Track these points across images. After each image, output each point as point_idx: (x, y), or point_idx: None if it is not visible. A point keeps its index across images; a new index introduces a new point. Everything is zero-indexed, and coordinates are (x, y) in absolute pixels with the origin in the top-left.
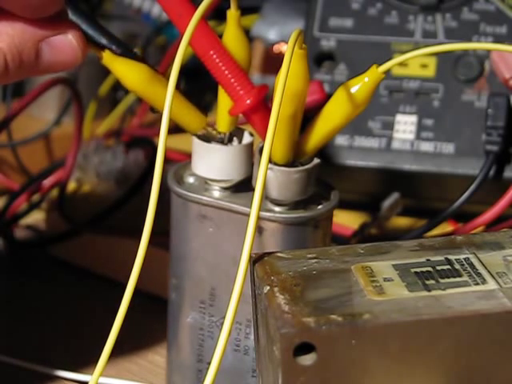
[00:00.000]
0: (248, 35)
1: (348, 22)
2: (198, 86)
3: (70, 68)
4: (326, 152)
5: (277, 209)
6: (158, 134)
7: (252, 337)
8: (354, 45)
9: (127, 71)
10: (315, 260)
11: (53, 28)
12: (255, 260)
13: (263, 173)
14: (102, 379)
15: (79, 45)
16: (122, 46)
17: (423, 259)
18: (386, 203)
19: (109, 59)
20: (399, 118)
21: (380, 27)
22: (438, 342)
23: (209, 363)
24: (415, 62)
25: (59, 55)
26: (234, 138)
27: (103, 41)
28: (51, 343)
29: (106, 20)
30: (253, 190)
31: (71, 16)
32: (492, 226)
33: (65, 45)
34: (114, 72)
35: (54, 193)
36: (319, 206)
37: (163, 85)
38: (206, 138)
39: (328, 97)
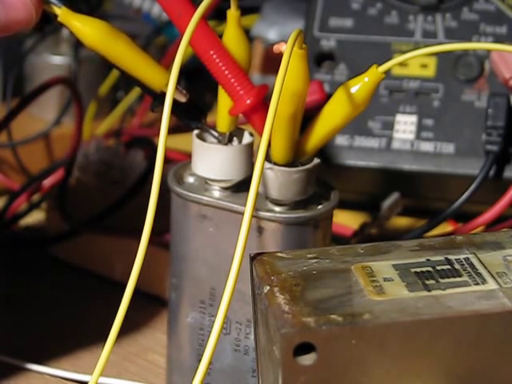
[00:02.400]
0: (248, 35)
1: (348, 22)
2: (198, 86)
3: (25, 26)
4: (326, 152)
5: (277, 209)
6: (158, 134)
7: (252, 337)
8: (354, 45)
9: (85, 27)
10: (315, 260)
11: None
12: (255, 260)
13: (259, 170)
14: (101, 379)
15: (33, 1)
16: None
17: (423, 259)
18: (386, 203)
19: (65, 16)
20: (399, 118)
21: (380, 27)
22: (437, 341)
23: (209, 363)
24: (415, 62)
25: (12, 13)
26: (234, 138)
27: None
28: (51, 343)
29: (106, 20)
30: None
31: None
32: (492, 225)
33: (17, 2)
34: (72, 29)
35: (54, 193)
36: (319, 206)
37: (123, 40)
38: (206, 138)
39: (328, 97)
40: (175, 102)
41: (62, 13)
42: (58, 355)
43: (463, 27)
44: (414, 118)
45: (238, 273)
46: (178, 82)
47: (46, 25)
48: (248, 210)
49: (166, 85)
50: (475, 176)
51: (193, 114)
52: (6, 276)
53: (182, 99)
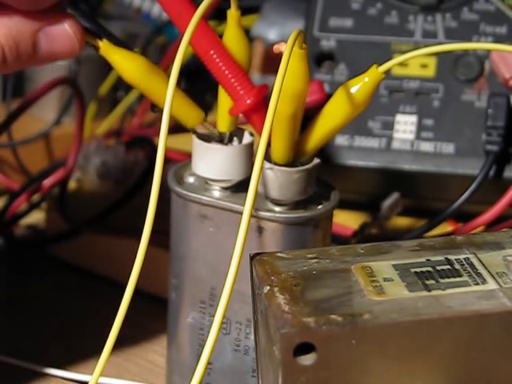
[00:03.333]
0: (248, 35)
1: (348, 22)
2: (198, 86)
3: (67, 58)
4: (326, 152)
5: (277, 209)
6: (158, 134)
7: (252, 337)
8: (354, 45)
9: (125, 62)
10: (315, 260)
11: (49, 18)
12: (255, 260)
13: (258, 170)
14: (101, 379)
15: (76, 34)
16: (119, 40)
17: (423, 259)
18: (386, 203)
19: (107, 50)
20: (399, 118)
21: (380, 27)
22: (437, 341)
23: (209, 363)
24: (415, 62)
25: (56, 45)
26: (234, 138)
27: (101, 33)
28: (51, 343)
29: (106, 20)
30: None
31: (69, 11)
32: (492, 225)
33: (62, 34)
34: (112, 63)
35: (54, 193)
36: (319, 206)
37: (161, 77)
38: (207, 138)
39: (328, 97)
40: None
41: (104, 46)
42: (58, 355)
43: (463, 27)
44: (414, 118)
45: (237, 272)
46: (178, 86)
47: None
48: (247, 209)
49: (200, 123)
50: (475, 176)
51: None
52: (7, 276)
53: (214, 135)
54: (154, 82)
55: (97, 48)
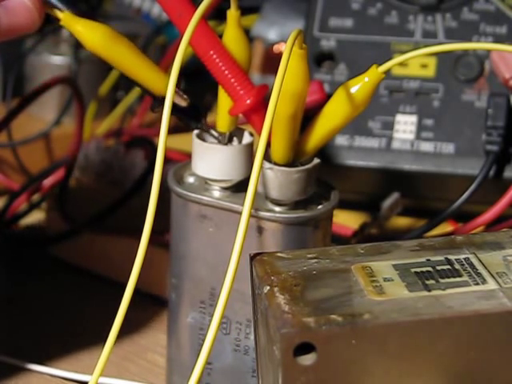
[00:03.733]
0: (248, 35)
1: (348, 22)
2: (198, 86)
3: (28, 31)
4: (326, 152)
5: (277, 209)
6: (158, 134)
7: (252, 337)
8: (354, 45)
9: (88, 31)
10: (315, 260)
11: None
12: (255, 260)
13: (257, 169)
14: (101, 379)
15: (35, 6)
16: (80, 9)
17: (423, 259)
18: (386, 203)
19: (68, 20)
20: (399, 118)
21: (380, 27)
22: (437, 341)
23: (209, 363)
24: (415, 62)
25: (15, 18)
26: (234, 138)
27: (61, 4)
28: (51, 343)
29: (106, 20)
30: None
31: None
32: (492, 225)
33: (20, 7)
34: (74, 33)
35: (54, 193)
36: (319, 206)
37: (125, 44)
38: (206, 138)
39: (328, 97)
40: (175, 103)
41: (65, 17)
42: (58, 355)
43: (463, 27)
44: (414, 118)
45: (236, 271)
46: (179, 86)
47: (46, 25)
48: (246, 208)
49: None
50: (475, 176)
51: (192, 115)
52: (7, 276)
53: (183, 103)
54: (118, 50)
55: (58, 19)
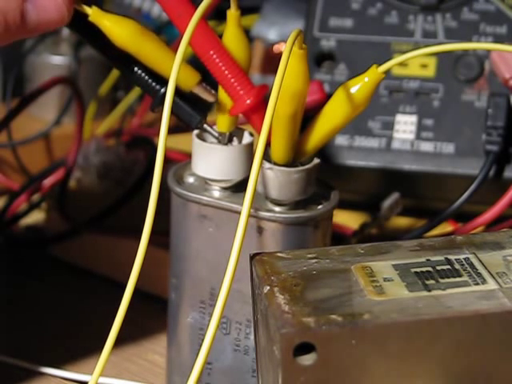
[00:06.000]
0: (248, 35)
1: (348, 22)
2: None
3: (57, 26)
4: (326, 152)
5: (277, 209)
6: (158, 134)
7: (252, 337)
8: (354, 45)
9: (116, 26)
10: (315, 260)
11: None
12: (255, 260)
13: (256, 169)
14: (101, 379)
15: (64, 1)
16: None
17: (423, 259)
18: (386, 203)
19: (96, 15)
20: (399, 118)
21: (380, 27)
22: (437, 341)
23: (209, 363)
24: (415, 62)
25: (44, 13)
26: (234, 138)
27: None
28: (51, 343)
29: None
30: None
31: None
32: (492, 225)
33: (49, 2)
34: (103, 29)
35: (55, 193)
36: (319, 206)
37: (153, 39)
38: (207, 138)
39: (328, 97)
40: (175, 103)
41: (93, 12)
42: (58, 355)
43: (463, 27)
44: (414, 118)
45: (235, 271)
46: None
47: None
48: (245, 208)
49: (196, 84)
50: (475, 176)
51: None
52: (6, 276)
53: (211, 99)
54: (146, 44)
55: (86, 15)
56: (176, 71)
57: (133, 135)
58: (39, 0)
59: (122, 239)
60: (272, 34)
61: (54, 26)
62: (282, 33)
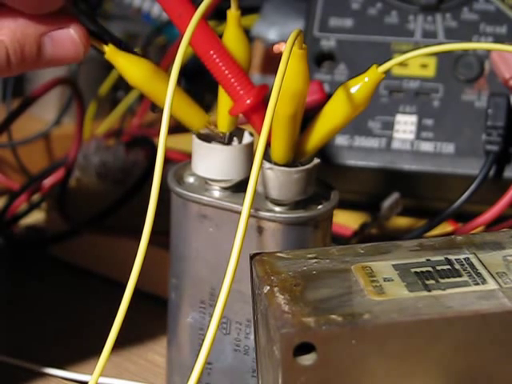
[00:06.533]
0: (248, 35)
1: (348, 22)
2: (198, 86)
3: (72, 62)
4: (326, 152)
5: (277, 209)
6: (158, 134)
7: (252, 337)
8: (354, 45)
9: (130, 66)
10: (315, 260)
11: (55, 22)
12: (255, 260)
13: (256, 169)
14: (101, 379)
15: (81, 39)
16: (123, 43)
17: (423, 259)
18: (386, 203)
19: (112, 54)
20: (399, 118)
21: (380, 27)
22: (438, 341)
23: (209, 363)
24: (415, 62)
25: (61, 49)
26: (234, 138)
27: (106, 37)
28: (51, 343)
29: (106, 20)
30: None
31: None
32: (492, 225)
33: (67, 39)
34: (117, 66)
35: (55, 193)
36: (319, 206)
37: (166, 80)
38: (207, 138)
39: (328, 97)
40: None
41: (109, 50)
42: (58, 355)
43: (463, 27)
44: (414, 118)
45: (235, 271)
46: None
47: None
48: (245, 208)
49: (205, 126)
50: (475, 176)
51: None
52: (6, 276)
53: (219, 139)
54: (158, 86)
55: (102, 52)
56: (176, 71)
57: (133, 135)
58: (57, 35)
59: (122, 239)
60: (272, 34)
61: (68, 62)
62: (282, 33)
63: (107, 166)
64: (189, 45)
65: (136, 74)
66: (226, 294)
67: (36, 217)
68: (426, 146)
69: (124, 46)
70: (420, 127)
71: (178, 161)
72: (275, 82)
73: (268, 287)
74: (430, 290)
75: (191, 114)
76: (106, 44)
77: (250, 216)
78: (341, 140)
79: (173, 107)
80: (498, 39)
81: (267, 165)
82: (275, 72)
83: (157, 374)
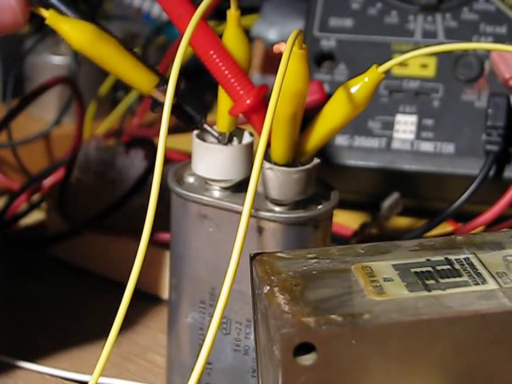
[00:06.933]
0: (248, 35)
1: (348, 22)
2: (198, 86)
3: (13, 30)
4: (326, 152)
5: (277, 209)
6: (158, 134)
7: (252, 337)
8: (354, 45)
9: (73, 30)
10: (315, 260)
11: None
12: (255, 260)
13: (257, 169)
14: (101, 379)
15: (20, 5)
16: (71, 6)
17: (423, 259)
18: (386, 203)
19: (53, 19)
20: (399, 118)
21: (380, 27)
22: (438, 341)
23: (209, 363)
24: (415, 62)
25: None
26: (234, 138)
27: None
28: (51, 343)
29: (106, 20)
30: None
31: None
32: (492, 225)
33: (3, 6)
34: (60, 32)
35: (55, 193)
36: (319, 206)
37: (111, 43)
38: (207, 138)
39: (328, 97)
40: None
41: (50, 15)
42: (58, 355)
43: (463, 27)
44: (414, 118)
45: (236, 272)
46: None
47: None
48: (246, 209)
49: (154, 88)
50: (475, 176)
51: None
52: (6, 276)
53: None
54: (103, 49)
55: (43, 18)
56: (176, 71)
57: (133, 135)
58: None
59: (122, 239)
60: (272, 34)
61: (8, 30)
62: (282, 33)
63: (107, 165)
64: (189, 45)
65: (79, 38)
66: (227, 295)
67: (36, 217)
68: (426, 146)
69: (72, 9)
70: (420, 127)
71: (178, 161)
72: (275, 82)
73: (268, 287)
74: (430, 290)
75: (140, 77)
76: (47, 9)
77: (251, 216)
78: (341, 140)
79: (121, 70)
80: (498, 39)
81: (267, 165)
82: (275, 72)
83: (157, 374)
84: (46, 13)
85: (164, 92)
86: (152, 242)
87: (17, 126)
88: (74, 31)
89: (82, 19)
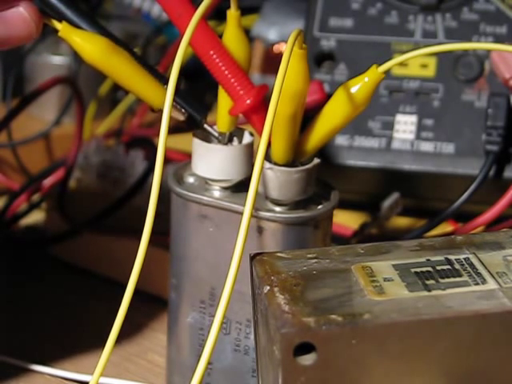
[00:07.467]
0: (248, 35)
1: (348, 22)
2: (198, 86)
3: (26, 41)
4: (326, 152)
5: (277, 209)
6: (158, 134)
7: (252, 337)
8: (354, 45)
9: (85, 43)
10: (315, 260)
11: (4, 2)
12: (255, 260)
13: (258, 170)
14: (102, 379)
15: (32, 17)
16: (86, 18)
17: (423, 259)
18: (386, 203)
19: (66, 31)
20: (399, 118)
21: (380, 27)
22: (437, 341)
23: (209, 363)
24: (415, 62)
25: (12, 29)
26: (234, 138)
27: (64, 13)
28: (51, 343)
29: (106, 20)
30: None
31: None
32: (492, 225)
33: (17, 18)
34: (72, 44)
35: (55, 193)
36: (319, 206)
37: (123, 57)
38: (207, 138)
39: (328, 97)
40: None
41: (63, 28)
42: (58, 355)
43: (463, 27)
44: (414, 118)
45: (237, 272)
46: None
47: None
48: (247, 209)
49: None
50: (475, 176)
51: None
52: (6, 276)
53: (181, 118)
54: (115, 62)
55: (56, 30)
56: (176, 71)
57: (133, 135)
58: (7, 15)
59: (122, 239)
60: (272, 34)
61: (21, 41)
62: (282, 33)
63: (107, 165)
64: (189, 45)
65: (91, 51)
66: (228, 295)
67: (36, 217)
68: (426, 146)
69: (86, 21)
70: (420, 127)
71: (178, 161)
72: (276, 83)
73: (268, 287)
74: (430, 290)
75: (150, 91)
76: (60, 22)
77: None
78: (341, 140)
79: (133, 85)
80: (498, 39)
81: (267, 165)
82: (275, 72)
83: (157, 374)
84: (58, 25)
85: (176, 108)
86: (152, 241)
87: (17, 126)
88: (87, 44)
89: (97, 32)
